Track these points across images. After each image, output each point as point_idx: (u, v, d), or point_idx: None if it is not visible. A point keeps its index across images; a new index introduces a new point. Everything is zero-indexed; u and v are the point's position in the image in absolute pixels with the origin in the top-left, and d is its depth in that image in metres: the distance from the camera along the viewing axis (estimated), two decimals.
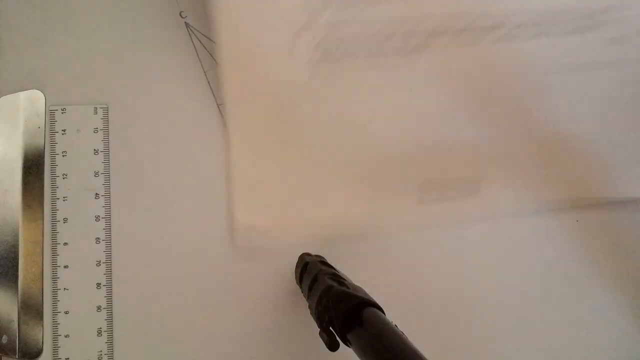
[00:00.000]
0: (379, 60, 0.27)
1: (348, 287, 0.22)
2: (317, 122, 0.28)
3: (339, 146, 0.28)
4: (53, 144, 0.29)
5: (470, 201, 0.28)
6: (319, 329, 0.21)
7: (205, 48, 0.29)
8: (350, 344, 0.20)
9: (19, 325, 0.28)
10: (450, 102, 0.28)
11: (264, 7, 0.26)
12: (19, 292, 0.29)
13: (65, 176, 0.29)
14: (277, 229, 0.28)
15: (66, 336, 0.29)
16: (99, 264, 0.29)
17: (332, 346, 0.21)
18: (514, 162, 0.28)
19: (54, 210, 0.29)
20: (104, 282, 0.29)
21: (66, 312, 0.29)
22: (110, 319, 0.29)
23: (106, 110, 0.29)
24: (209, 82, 0.29)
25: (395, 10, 0.26)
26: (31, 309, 0.29)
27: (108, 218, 0.29)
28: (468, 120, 0.28)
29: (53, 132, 0.29)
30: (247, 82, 0.27)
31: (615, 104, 0.29)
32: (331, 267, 0.26)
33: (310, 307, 0.23)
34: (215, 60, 0.29)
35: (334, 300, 0.21)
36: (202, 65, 0.29)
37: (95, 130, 0.29)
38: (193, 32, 0.29)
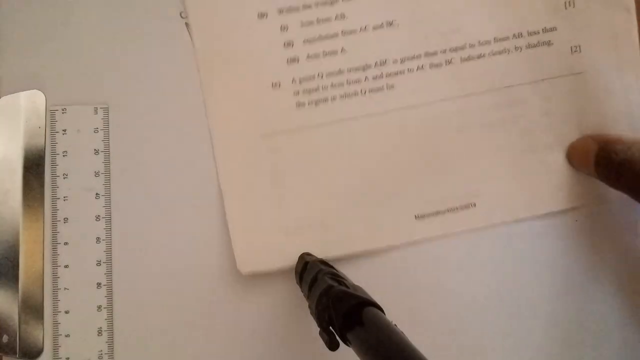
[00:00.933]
0: (357, 95, 0.29)
1: (348, 287, 0.22)
2: (310, 145, 0.29)
3: (336, 167, 0.29)
4: (53, 144, 0.29)
5: (468, 213, 0.29)
6: (319, 329, 0.22)
7: None
8: (350, 343, 0.20)
9: (19, 325, 0.28)
10: (432, 124, 0.29)
11: (246, 58, 0.29)
12: (19, 291, 0.29)
13: (65, 176, 0.29)
14: (277, 252, 0.28)
15: (66, 336, 0.29)
16: (99, 263, 0.29)
17: (332, 346, 0.21)
18: (509, 173, 0.29)
19: (54, 210, 0.29)
20: (104, 282, 0.29)
21: (66, 312, 0.29)
22: (110, 318, 0.29)
23: (106, 110, 0.29)
24: None
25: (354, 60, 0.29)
26: (31, 309, 0.29)
27: (108, 218, 0.29)
28: (451, 138, 0.29)
29: (53, 132, 0.29)
30: (234, 115, 0.29)
31: None
32: (331, 267, 0.26)
33: (310, 307, 0.23)
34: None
35: (334, 300, 0.21)
36: None
37: (96, 130, 0.29)
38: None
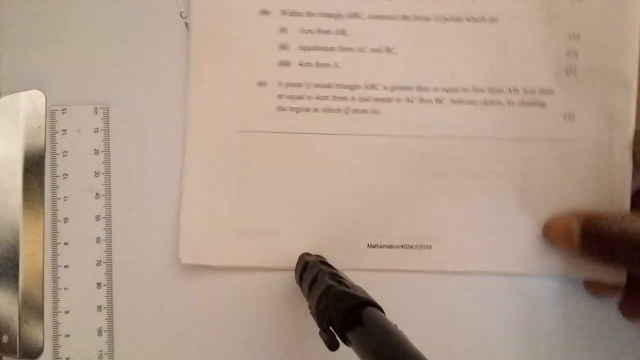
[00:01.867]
0: (339, 113, 0.28)
1: (348, 287, 0.22)
2: (282, 151, 0.28)
3: (302, 178, 0.28)
4: (53, 144, 0.29)
5: (421, 254, 0.28)
6: (319, 329, 0.22)
7: None
8: (350, 343, 0.20)
9: (19, 325, 0.28)
10: (408, 159, 0.29)
11: (234, 57, 0.28)
12: (20, 291, 0.29)
13: (65, 176, 0.29)
14: (223, 250, 0.28)
15: (67, 336, 0.29)
16: (99, 263, 0.29)
17: (332, 346, 0.21)
18: (474, 226, 0.29)
19: (54, 210, 0.29)
20: (104, 282, 0.29)
21: (67, 312, 0.29)
22: (110, 318, 0.29)
23: (106, 110, 0.29)
24: None
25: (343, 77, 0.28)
26: (31, 309, 0.29)
27: (108, 218, 0.29)
28: (424, 177, 0.29)
29: (53, 132, 0.29)
30: (214, 111, 0.29)
31: None
32: (331, 266, 0.26)
33: (310, 307, 0.23)
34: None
35: (334, 300, 0.21)
36: None
37: (96, 130, 0.29)
38: None
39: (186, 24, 0.29)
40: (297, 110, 0.28)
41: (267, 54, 0.28)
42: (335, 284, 0.22)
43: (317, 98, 0.28)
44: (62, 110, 0.29)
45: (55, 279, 0.29)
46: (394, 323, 0.20)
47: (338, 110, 0.28)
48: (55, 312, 0.29)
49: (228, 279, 0.29)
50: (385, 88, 0.28)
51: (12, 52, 0.29)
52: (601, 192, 0.28)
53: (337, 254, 0.28)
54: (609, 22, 0.27)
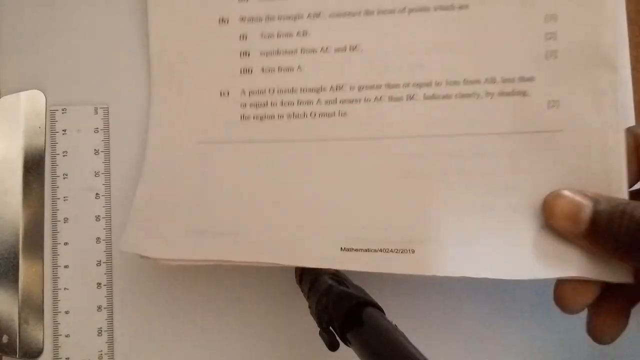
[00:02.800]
0: (306, 118, 0.27)
1: (348, 287, 0.22)
2: (246, 160, 0.27)
3: (268, 187, 0.27)
4: (53, 144, 0.29)
5: (403, 258, 0.26)
6: (319, 329, 0.22)
7: None
8: (350, 343, 0.20)
9: (19, 325, 0.28)
10: (381, 161, 0.27)
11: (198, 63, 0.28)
12: (20, 291, 0.29)
13: (65, 176, 0.29)
14: (171, 244, 0.27)
15: (66, 336, 0.29)
16: (99, 263, 0.29)
17: (332, 346, 0.21)
18: (461, 228, 0.26)
19: (54, 210, 0.29)
20: (104, 282, 0.29)
21: (66, 312, 0.29)
22: (110, 319, 0.29)
23: (106, 110, 0.29)
24: None
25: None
26: (32, 309, 0.29)
27: (108, 218, 0.29)
28: (399, 179, 0.27)
29: (53, 132, 0.29)
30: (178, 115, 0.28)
31: None
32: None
33: (310, 307, 0.23)
34: None
35: (334, 300, 0.21)
36: None
37: (96, 130, 0.29)
38: None
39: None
40: (262, 118, 0.27)
41: (228, 63, 0.27)
42: (336, 284, 0.22)
43: (282, 104, 0.27)
44: (62, 110, 0.29)
45: (55, 279, 0.29)
46: (394, 323, 0.20)
47: (304, 115, 0.27)
48: (55, 312, 0.29)
49: (228, 279, 0.29)
50: (352, 88, 0.27)
51: (12, 52, 0.29)
52: (596, 181, 0.25)
53: (305, 259, 0.26)
54: None
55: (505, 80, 0.26)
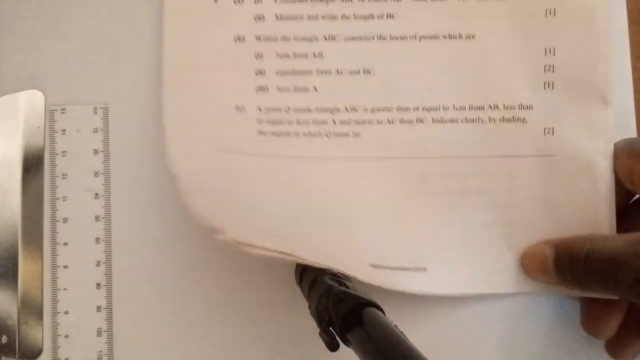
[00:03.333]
0: (321, 137, 0.28)
1: (348, 287, 0.22)
2: (266, 173, 0.28)
3: (288, 201, 0.28)
4: (53, 144, 0.29)
5: (418, 276, 0.28)
6: (319, 329, 0.21)
7: None
8: (350, 344, 0.20)
9: (18, 326, 0.28)
10: (391, 181, 0.28)
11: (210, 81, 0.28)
12: (19, 292, 0.29)
13: (65, 176, 0.29)
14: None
15: (66, 336, 0.29)
16: (99, 264, 0.29)
17: (332, 346, 0.21)
18: (464, 245, 0.28)
19: (53, 210, 0.29)
20: (104, 282, 0.29)
21: (66, 312, 0.29)
22: (110, 319, 0.29)
23: (106, 110, 0.29)
24: None
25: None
26: (31, 309, 0.29)
27: (108, 218, 0.29)
28: (409, 199, 0.28)
29: (53, 132, 0.29)
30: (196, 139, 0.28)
31: None
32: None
33: (310, 307, 0.23)
34: None
35: (334, 300, 0.21)
36: None
37: (95, 130, 0.29)
38: None
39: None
40: (278, 134, 0.28)
41: (244, 80, 0.28)
42: (336, 284, 0.22)
43: (298, 122, 0.28)
44: (61, 110, 0.29)
45: (54, 279, 0.29)
46: (394, 323, 0.20)
47: (319, 134, 0.28)
48: (54, 313, 0.29)
49: (227, 279, 0.29)
50: (365, 110, 0.28)
51: (11, 52, 0.29)
52: (586, 205, 0.27)
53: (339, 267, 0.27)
54: (582, 36, 0.27)
55: (507, 107, 0.28)
